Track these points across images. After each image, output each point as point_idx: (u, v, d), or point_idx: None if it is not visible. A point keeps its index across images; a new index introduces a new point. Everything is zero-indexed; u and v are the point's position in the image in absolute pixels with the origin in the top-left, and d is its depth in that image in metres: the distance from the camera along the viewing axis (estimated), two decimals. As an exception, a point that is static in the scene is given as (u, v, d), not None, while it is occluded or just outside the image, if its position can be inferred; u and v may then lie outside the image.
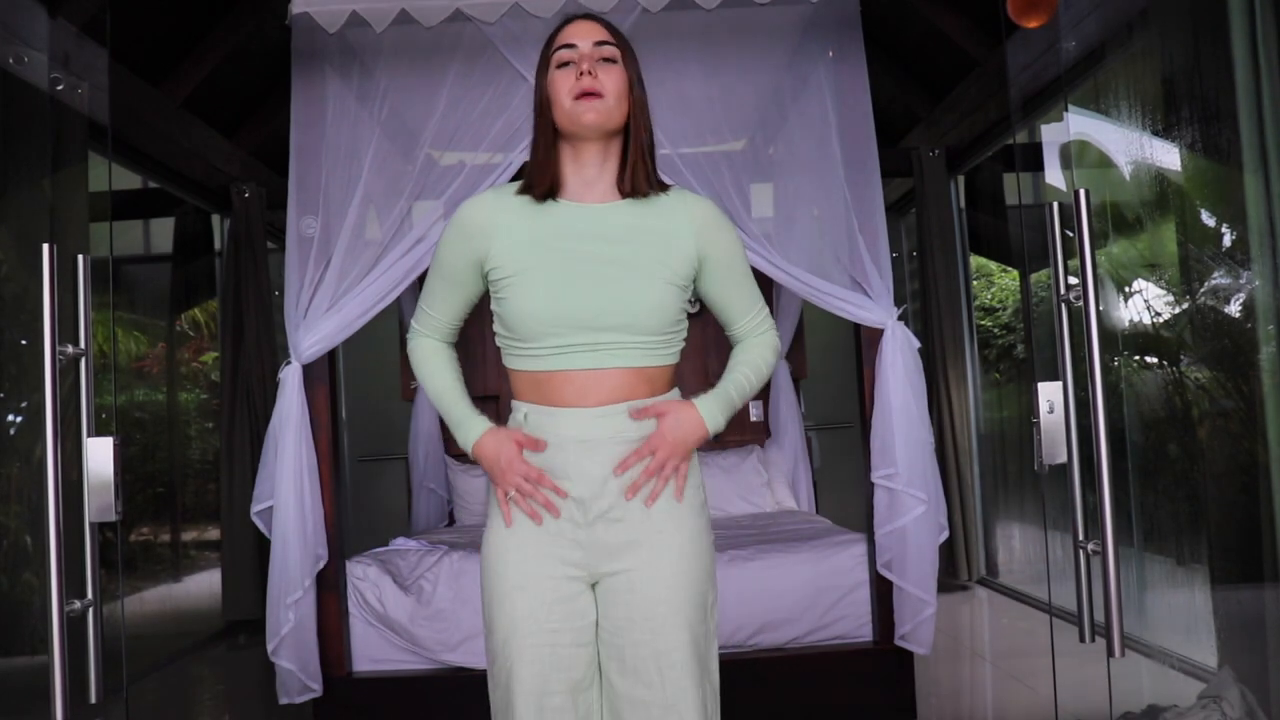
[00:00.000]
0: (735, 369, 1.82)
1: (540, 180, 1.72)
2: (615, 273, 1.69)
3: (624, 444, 1.70)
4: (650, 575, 1.71)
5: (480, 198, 1.78)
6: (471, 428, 1.75)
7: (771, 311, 5.14)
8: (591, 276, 1.68)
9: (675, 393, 1.79)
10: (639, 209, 1.75)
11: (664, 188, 1.78)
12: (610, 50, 1.70)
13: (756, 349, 1.84)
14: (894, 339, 3.28)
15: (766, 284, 5.35)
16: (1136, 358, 3.28)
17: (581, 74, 1.67)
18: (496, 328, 1.76)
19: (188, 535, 5.90)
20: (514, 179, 1.79)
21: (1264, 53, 2.41)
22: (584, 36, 1.71)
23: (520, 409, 1.74)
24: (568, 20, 1.76)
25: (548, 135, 1.72)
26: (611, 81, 1.69)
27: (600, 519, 1.71)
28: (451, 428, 1.79)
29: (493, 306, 1.76)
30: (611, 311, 1.67)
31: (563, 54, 1.71)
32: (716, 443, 5.57)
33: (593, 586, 1.75)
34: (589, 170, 1.74)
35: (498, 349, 1.78)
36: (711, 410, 1.75)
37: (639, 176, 1.73)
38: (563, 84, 1.69)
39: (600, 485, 1.70)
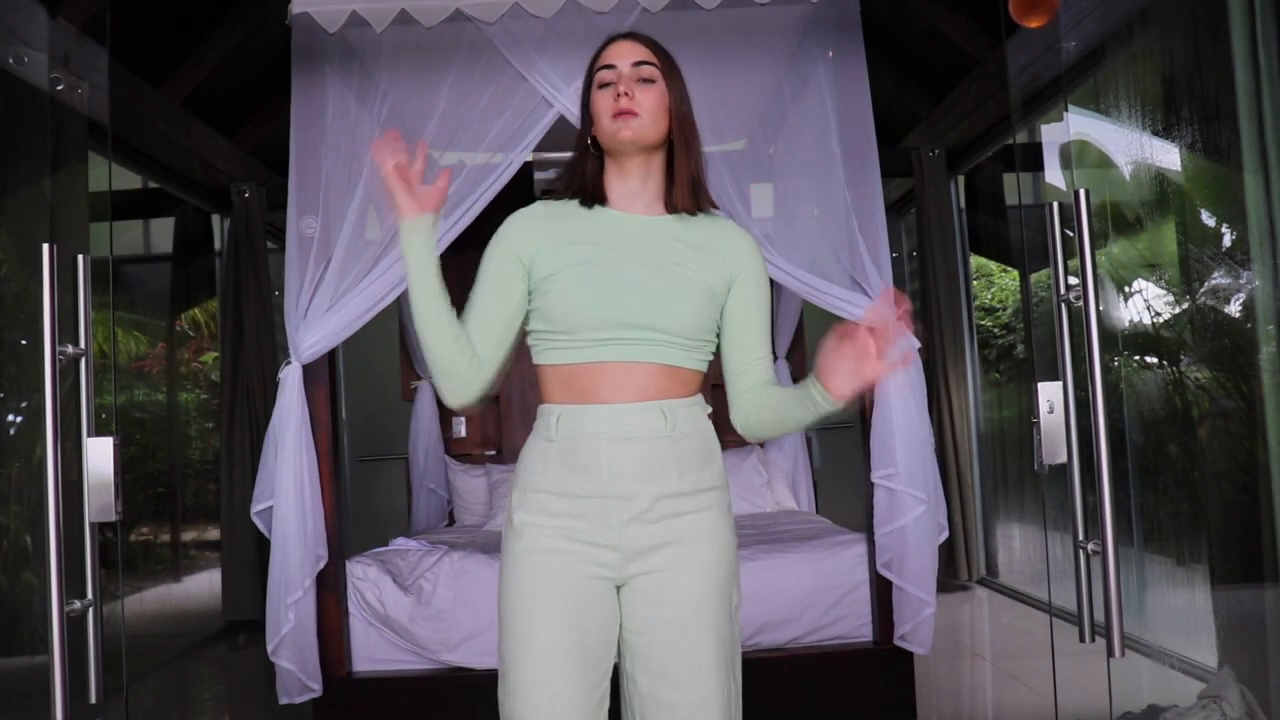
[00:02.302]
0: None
1: (587, 186, 1.77)
2: (654, 277, 1.72)
3: (658, 441, 1.69)
4: (679, 577, 1.70)
5: (532, 207, 1.81)
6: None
7: (772, 311, 5.13)
8: (631, 278, 1.71)
9: (699, 398, 1.78)
10: (682, 226, 1.78)
11: (712, 206, 1.81)
12: (649, 70, 1.74)
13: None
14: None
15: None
16: (1136, 358, 3.28)
17: (619, 95, 1.71)
18: (532, 326, 1.76)
19: (188, 535, 5.91)
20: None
21: (1264, 53, 2.41)
22: (623, 57, 1.75)
23: (553, 412, 1.73)
24: (610, 40, 1.80)
25: (596, 149, 1.78)
26: (648, 100, 1.73)
27: (635, 520, 1.69)
28: (410, 276, 1.68)
29: (532, 305, 1.75)
30: (649, 310, 1.69)
31: (603, 74, 1.76)
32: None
33: (618, 588, 1.73)
34: (632, 183, 1.78)
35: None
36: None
37: (685, 194, 1.76)
38: (603, 104, 1.74)
39: (637, 484, 1.68)
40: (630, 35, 1.79)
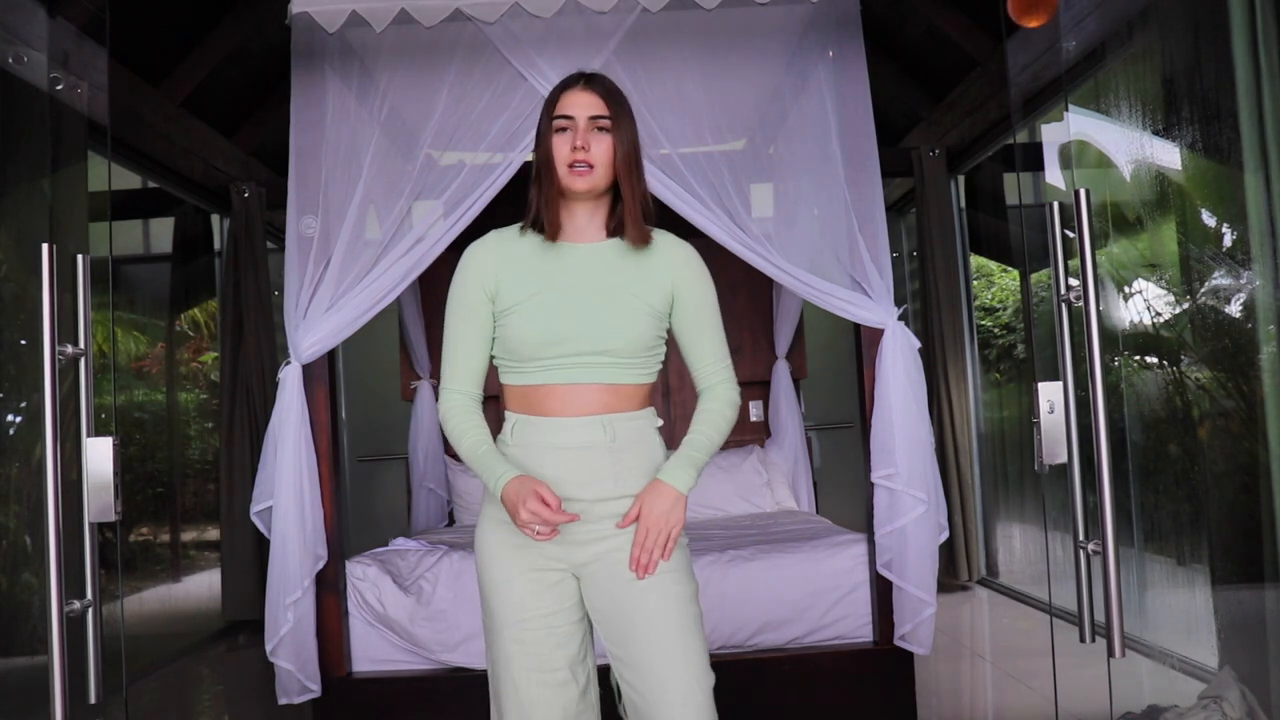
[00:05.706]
0: (695, 427, 1.98)
1: (550, 224, 1.94)
2: (599, 304, 1.91)
3: (597, 451, 1.91)
4: (621, 563, 1.90)
5: (485, 240, 2.00)
6: (501, 475, 1.90)
7: (771, 312, 5.16)
8: (578, 308, 1.91)
9: (650, 411, 1.99)
10: (624, 249, 1.97)
11: (653, 226, 1.99)
12: (604, 122, 1.91)
13: (714, 406, 1.99)
14: (894, 339, 3.28)
15: (766, 284, 5.41)
16: (1136, 358, 3.28)
17: (575, 147, 1.88)
18: (495, 350, 1.99)
19: (188, 535, 5.90)
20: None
21: (1264, 53, 2.41)
22: (581, 109, 1.90)
23: (510, 419, 1.97)
24: (570, 84, 1.94)
25: (551, 187, 1.93)
26: (601, 150, 1.90)
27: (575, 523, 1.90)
28: (482, 477, 1.94)
29: (495, 333, 1.98)
30: (592, 337, 1.89)
31: (561, 123, 1.91)
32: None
33: (576, 576, 1.95)
34: (579, 219, 1.97)
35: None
36: (678, 476, 1.92)
37: (635, 233, 1.94)
38: (560, 150, 1.91)
39: (576, 488, 1.90)
40: (588, 83, 1.93)
